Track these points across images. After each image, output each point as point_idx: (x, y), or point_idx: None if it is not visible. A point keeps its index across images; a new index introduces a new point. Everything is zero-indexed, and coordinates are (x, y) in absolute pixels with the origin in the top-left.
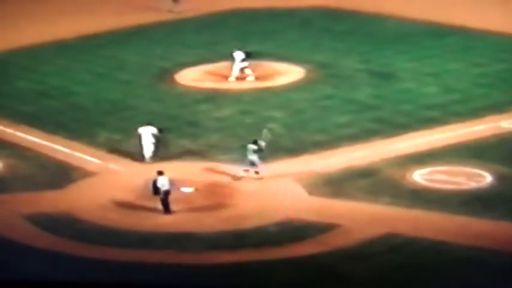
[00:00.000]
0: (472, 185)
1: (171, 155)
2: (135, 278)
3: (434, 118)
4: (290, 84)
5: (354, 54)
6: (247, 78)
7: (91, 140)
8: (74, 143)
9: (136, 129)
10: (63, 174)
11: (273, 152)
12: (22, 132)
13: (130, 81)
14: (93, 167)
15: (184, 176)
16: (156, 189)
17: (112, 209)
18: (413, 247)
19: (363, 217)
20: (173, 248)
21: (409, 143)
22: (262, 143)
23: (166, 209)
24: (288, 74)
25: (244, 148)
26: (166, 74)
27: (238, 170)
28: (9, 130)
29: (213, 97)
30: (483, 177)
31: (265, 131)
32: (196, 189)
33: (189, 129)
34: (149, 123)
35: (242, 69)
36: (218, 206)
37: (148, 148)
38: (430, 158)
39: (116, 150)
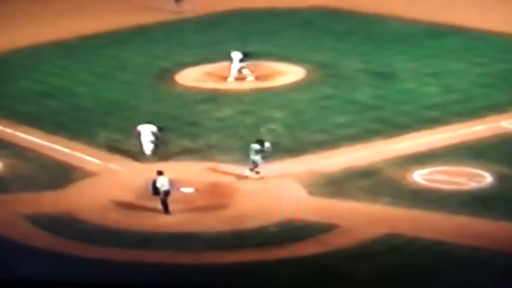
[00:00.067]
0: (473, 185)
1: (171, 155)
2: (136, 278)
3: (434, 118)
4: (290, 85)
5: (354, 54)
6: (247, 79)
7: (91, 140)
8: (75, 143)
9: (135, 127)
10: (63, 175)
11: (273, 152)
12: (22, 132)
13: (131, 81)
14: (93, 167)
15: (184, 176)
16: (155, 189)
17: (112, 209)
18: (413, 247)
19: (363, 217)
20: (173, 248)
21: (410, 143)
22: (268, 145)
23: (166, 209)
24: (289, 74)
25: (244, 148)
26: (166, 74)
27: (243, 170)
28: (9, 130)
29: (213, 97)
30: (483, 178)
31: (263, 130)
32: (196, 190)
33: (189, 129)
34: (149, 122)
35: (240, 70)
36: (218, 206)
37: (147, 146)
38: (431, 158)
39: (116, 150)
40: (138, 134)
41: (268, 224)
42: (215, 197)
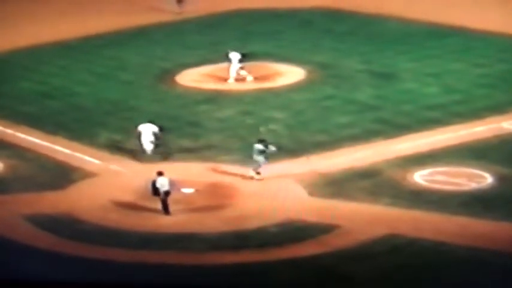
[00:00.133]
0: (473, 185)
1: (171, 155)
2: (136, 279)
3: (435, 119)
4: (291, 85)
5: (355, 55)
6: (247, 79)
7: (92, 140)
8: (75, 144)
9: (136, 128)
10: (63, 175)
11: (273, 152)
12: (23, 132)
13: (131, 81)
14: (93, 168)
15: (185, 176)
16: (155, 190)
17: (113, 209)
18: (414, 248)
19: (364, 218)
20: (174, 249)
21: (410, 143)
22: (274, 149)
23: (166, 210)
24: (289, 74)
25: (245, 149)
26: (167, 75)
27: (247, 170)
28: (9, 131)
29: (214, 98)
30: (484, 178)
31: (262, 129)
32: (197, 190)
33: (190, 129)
34: (150, 121)
35: (238, 71)
36: (219, 207)
37: (148, 146)
38: (431, 158)
39: (116, 150)
40: (139, 134)
41: (268, 225)
42: (216, 198)
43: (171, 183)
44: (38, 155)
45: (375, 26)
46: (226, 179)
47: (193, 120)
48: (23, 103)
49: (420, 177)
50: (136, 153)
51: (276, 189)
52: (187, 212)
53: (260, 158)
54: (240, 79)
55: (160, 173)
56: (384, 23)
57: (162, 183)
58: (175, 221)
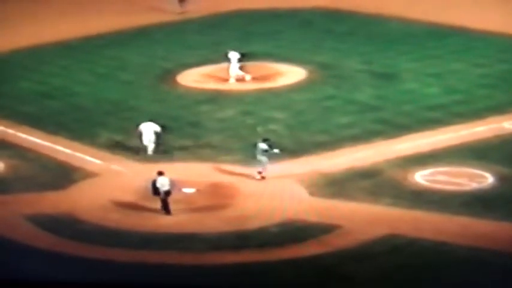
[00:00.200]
0: (474, 186)
1: (172, 155)
2: (136, 279)
3: (436, 119)
4: (292, 85)
5: (356, 55)
6: (246, 79)
7: (92, 140)
8: (76, 144)
9: (137, 127)
10: (64, 175)
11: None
12: (24, 132)
13: (132, 81)
14: (94, 168)
15: (186, 176)
16: (155, 190)
17: (113, 209)
18: (414, 248)
19: (365, 218)
20: (174, 249)
21: (411, 143)
22: (277, 151)
23: (166, 210)
24: (290, 74)
25: (246, 149)
26: (168, 75)
27: (251, 170)
28: (10, 131)
29: (214, 98)
30: (485, 178)
31: (259, 129)
32: (198, 190)
33: (191, 129)
34: (151, 120)
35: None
36: (220, 207)
37: (149, 145)
38: (432, 158)
39: (117, 150)
40: (140, 133)
41: (269, 225)
42: (216, 198)
43: (172, 183)
44: (39, 155)
45: (375, 26)
46: (227, 179)
47: (194, 120)
48: (23, 103)
49: (421, 177)
50: (137, 153)
51: (276, 189)
52: (188, 212)
53: (263, 158)
54: (240, 79)
55: (160, 173)
56: (384, 23)
57: (163, 183)
58: (175, 221)
